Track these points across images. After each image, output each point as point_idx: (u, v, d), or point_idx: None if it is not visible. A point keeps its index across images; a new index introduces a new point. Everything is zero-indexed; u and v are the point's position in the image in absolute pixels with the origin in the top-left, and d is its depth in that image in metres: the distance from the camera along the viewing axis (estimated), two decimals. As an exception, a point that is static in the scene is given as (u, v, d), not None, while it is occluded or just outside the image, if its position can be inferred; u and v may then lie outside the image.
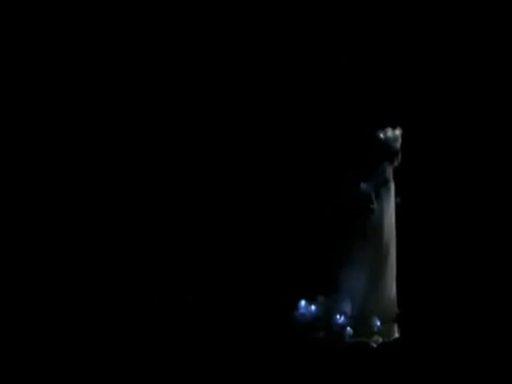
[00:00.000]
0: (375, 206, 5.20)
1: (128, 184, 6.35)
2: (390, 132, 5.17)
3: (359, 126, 5.83)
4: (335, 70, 6.36)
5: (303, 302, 5.43)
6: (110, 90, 6.40)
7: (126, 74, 6.43)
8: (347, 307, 5.28)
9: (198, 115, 6.49)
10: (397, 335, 5.25)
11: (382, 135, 5.17)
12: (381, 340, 5.19)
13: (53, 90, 6.35)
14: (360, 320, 5.24)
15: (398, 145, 5.20)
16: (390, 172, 5.22)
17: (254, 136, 6.43)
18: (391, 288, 5.30)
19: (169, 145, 6.46)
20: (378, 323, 5.24)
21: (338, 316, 5.26)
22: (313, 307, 5.42)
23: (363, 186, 5.20)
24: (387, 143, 5.16)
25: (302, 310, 5.41)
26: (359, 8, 6.41)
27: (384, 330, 5.24)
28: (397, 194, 5.29)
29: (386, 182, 5.22)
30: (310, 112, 6.41)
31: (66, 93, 6.37)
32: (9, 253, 5.95)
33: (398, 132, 5.19)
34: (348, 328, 5.21)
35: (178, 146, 6.46)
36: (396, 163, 5.23)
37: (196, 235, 6.23)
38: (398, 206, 5.30)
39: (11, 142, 6.28)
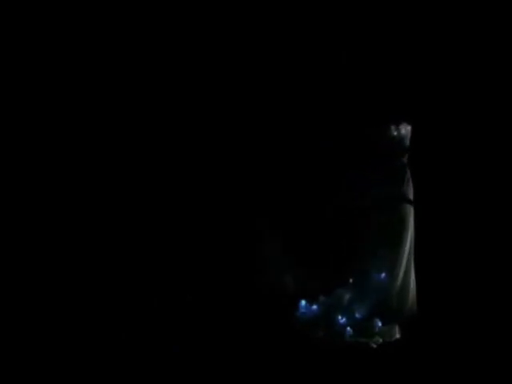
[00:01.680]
0: (411, 200, 5.23)
1: (128, 184, 6.35)
2: (403, 129, 5.19)
3: (370, 123, 5.81)
4: (335, 68, 6.36)
5: (304, 302, 5.44)
6: (109, 90, 6.40)
7: (125, 74, 6.44)
8: (356, 306, 5.29)
9: (198, 115, 6.49)
10: (398, 336, 5.26)
11: (396, 132, 5.18)
12: (381, 341, 5.20)
13: (53, 90, 6.36)
14: (362, 320, 5.25)
15: (408, 141, 5.23)
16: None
17: (255, 136, 6.44)
18: (409, 286, 5.31)
19: (168, 145, 6.46)
20: (380, 324, 5.25)
21: (339, 316, 5.27)
22: (314, 307, 5.42)
23: (390, 184, 5.22)
24: (402, 140, 5.18)
25: (303, 310, 5.41)
26: (359, 6, 6.41)
27: (385, 331, 5.24)
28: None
29: (408, 180, 5.24)
30: (314, 112, 6.41)
31: (66, 93, 6.38)
32: (9, 253, 5.96)
33: (408, 128, 5.21)
34: (348, 328, 5.21)
35: (178, 146, 6.47)
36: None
37: (196, 235, 6.22)
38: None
39: (11, 142, 6.29)
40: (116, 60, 6.40)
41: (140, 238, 6.16)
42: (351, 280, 5.36)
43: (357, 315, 5.27)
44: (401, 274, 5.25)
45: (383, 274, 5.25)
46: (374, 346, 5.15)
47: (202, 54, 6.48)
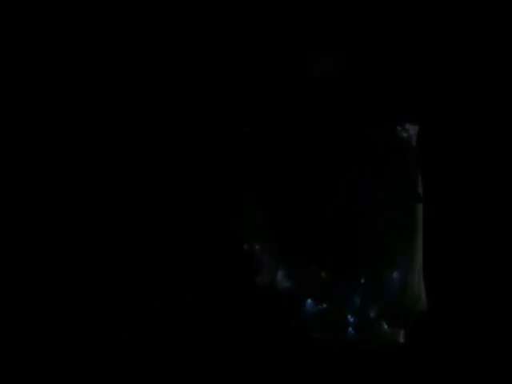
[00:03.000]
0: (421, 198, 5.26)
1: (127, 184, 6.34)
2: (412, 129, 5.21)
3: (370, 123, 5.82)
4: (336, 67, 6.37)
5: (309, 301, 5.44)
6: (109, 90, 6.40)
7: (125, 74, 6.44)
8: (364, 306, 5.30)
9: (198, 115, 6.50)
10: (402, 340, 5.26)
11: (402, 132, 5.21)
12: (383, 343, 5.20)
13: (53, 90, 6.35)
14: (368, 321, 5.26)
15: (415, 140, 5.26)
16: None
17: (254, 137, 6.45)
18: (421, 289, 5.32)
19: (167, 145, 6.47)
20: (386, 326, 5.26)
21: (344, 316, 5.28)
22: (319, 306, 5.43)
23: (398, 184, 5.24)
24: (409, 139, 5.21)
25: (308, 309, 5.42)
26: (359, 6, 6.42)
27: (390, 334, 5.25)
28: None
29: (417, 180, 5.26)
30: (314, 111, 6.42)
31: (66, 93, 6.37)
32: (9, 253, 5.94)
33: (415, 127, 5.24)
34: (350, 329, 5.23)
35: (177, 145, 6.47)
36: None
37: (196, 234, 6.22)
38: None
39: (11, 142, 6.28)
40: (116, 59, 6.42)
41: (139, 237, 6.17)
42: (362, 280, 5.38)
43: (363, 316, 5.29)
44: (414, 277, 5.27)
45: (396, 276, 5.27)
46: (375, 347, 5.18)
47: (201, 54, 6.50)
